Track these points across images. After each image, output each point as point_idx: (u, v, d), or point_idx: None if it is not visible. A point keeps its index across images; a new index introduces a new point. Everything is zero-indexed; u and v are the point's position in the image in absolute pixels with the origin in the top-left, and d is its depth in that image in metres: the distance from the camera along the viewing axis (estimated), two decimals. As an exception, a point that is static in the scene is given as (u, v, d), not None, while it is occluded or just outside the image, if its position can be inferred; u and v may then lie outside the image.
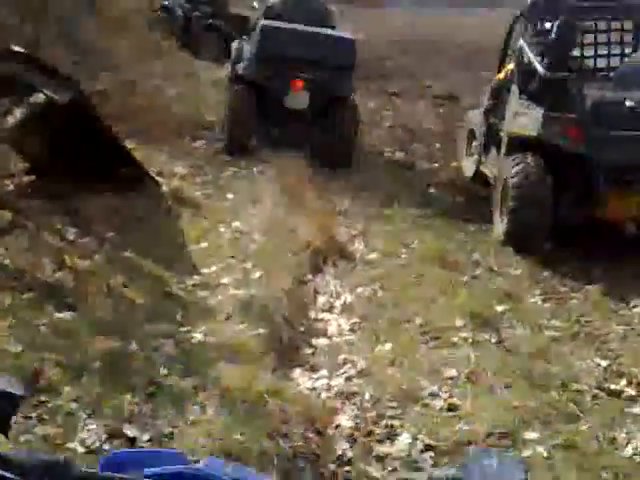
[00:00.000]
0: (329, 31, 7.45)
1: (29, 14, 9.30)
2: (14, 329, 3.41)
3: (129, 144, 6.64)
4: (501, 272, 4.67)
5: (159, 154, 7.08)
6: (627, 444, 2.85)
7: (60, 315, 3.67)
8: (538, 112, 4.94)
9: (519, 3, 6.03)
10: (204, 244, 4.95)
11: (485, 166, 5.93)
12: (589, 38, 5.76)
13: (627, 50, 5.73)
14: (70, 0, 12.15)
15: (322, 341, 3.78)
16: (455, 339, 3.60)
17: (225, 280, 4.33)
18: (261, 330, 3.61)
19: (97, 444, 2.72)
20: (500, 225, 5.15)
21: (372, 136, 9.02)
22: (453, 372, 3.28)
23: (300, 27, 7.27)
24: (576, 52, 5.66)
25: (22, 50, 4.96)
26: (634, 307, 4.35)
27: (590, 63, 5.78)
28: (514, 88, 5.46)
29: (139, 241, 4.84)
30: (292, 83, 7.13)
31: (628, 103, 4.77)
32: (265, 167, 7.01)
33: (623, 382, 3.39)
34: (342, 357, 3.55)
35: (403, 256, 4.68)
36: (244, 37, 8.13)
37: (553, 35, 5.18)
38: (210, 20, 13.18)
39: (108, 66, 11.39)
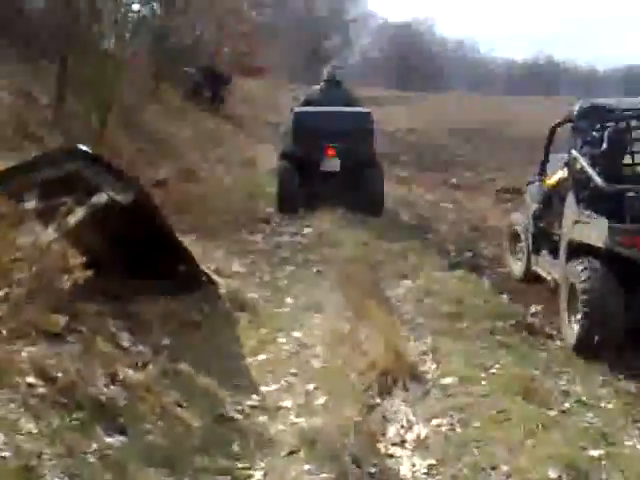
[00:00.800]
0: (348, 108, 9.27)
1: (95, 103, 9.48)
2: (61, 458, 3.10)
3: (187, 239, 6.49)
4: (592, 405, 4.20)
5: (217, 249, 6.91)
6: None
7: (110, 440, 3.36)
8: (602, 222, 4.90)
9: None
10: (262, 356, 4.64)
11: (539, 267, 6.13)
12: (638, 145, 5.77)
13: None
14: (134, 89, 12.46)
15: (395, 488, 3.36)
16: (550, 495, 3.15)
17: (286, 403, 3.98)
18: (328, 473, 3.22)
19: None
20: (570, 331, 5.07)
21: (435, 233, 8.73)
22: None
23: (325, 108, 9.15)
24: (627, 159, 5.66)
25: (87, 149, 4.90)
26: None
27: None
28: (570, 197, 5.43)
29: (195, 350, 4.58)
30: (325, 151, 8.88)
31: None
32: (324, 267, 6.76)
33: None
34: (420, 511, 3.12)
35: (483, 383, 4.25)
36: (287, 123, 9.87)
37: (604, 145, 5.29)
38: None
39: (169, 152, 11.54)
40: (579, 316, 4.94)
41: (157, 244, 5.23)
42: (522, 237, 6.58)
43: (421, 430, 3.81)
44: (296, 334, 5.01)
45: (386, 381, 4.31)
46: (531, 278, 6.37)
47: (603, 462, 3.52)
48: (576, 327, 4.99)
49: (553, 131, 6.46)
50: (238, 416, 3.81)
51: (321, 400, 3.99)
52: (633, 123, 5.63)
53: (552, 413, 3.96)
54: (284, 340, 4.91)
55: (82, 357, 3.98)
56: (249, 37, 23.68)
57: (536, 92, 45.60)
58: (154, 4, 18.45)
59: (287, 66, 36.11)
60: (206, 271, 5.70)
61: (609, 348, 4.86)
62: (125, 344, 4.44)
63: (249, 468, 3.31)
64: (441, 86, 55.96)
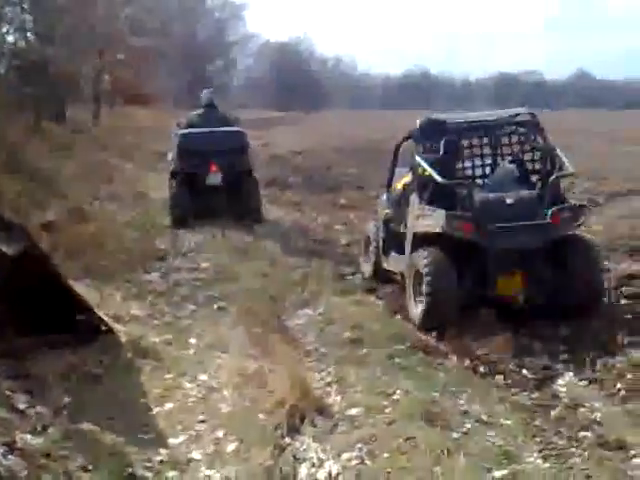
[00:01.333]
0: (225, 128, 10.51)
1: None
2: None
3: (81, 285, 6.32)
4: (492, 423, 4.37)
5: (113, 293, 6.76)
6: None
7: (11, 519, 3.22)
8: (440, 213, 6.09)
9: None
10: (169, 405, 4.57)
11: (389, 264, 7.22)
12: (467, 152, 7.11)
13: (498, 159, 7.14)
14: (17, 126, 11.99)
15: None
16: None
17: (196, 455, 3.94)
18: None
19: None
20: (415, 309, 6.18)
21: (330, 257, 8.83)
22: None
23: (205, 129, 10.37)
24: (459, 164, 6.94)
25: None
26: (635, 458, 4.10)
27: (470, 172, 7.06)
28: (413, 196, 6.57)
29: (97, 406, 4.46)
30: (209, 167, 10.26)
31: (508, 201, 6.17)
32: (225, 303, 6.73)
33: None
34: None
35: (387, 410, 4.35)
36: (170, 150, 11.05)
37: (441, 152, 6.56)
38: None
39: (56, 191, 11.14)
40: (421, 297, 6.05)
41: (49, 294, 5.06)
42: (372, 242, 7.57)
43: (332, 467, 3.85)
44: (202, 377, 4.96)
45: (294, 419, 4.34)
46: (380, 277, 7.42)
47: (508, 483, 3.67)
48: (420, 306, 6.07)
49: (398, 148, 7.45)
50: (148, 474, 3.73)
51: (231, 447, 3.97)
52: (463, 135, 6.91)
53: (455, 435, 4.09)
54: (190, 385, 4.85)
55: (-23, 428, 3.81)
56: (131, 64, 23.32)
57: (414, 105, 47.19)
58: (28, 34, 17.92)
59: (172, 92, 35.77)
60: (104, 319, 5.55)
61: (447, 322, 5.90)
62: (22, 406, 4.27)
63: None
64: (322, 104, 56.97)
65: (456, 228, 5.99)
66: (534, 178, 6.74)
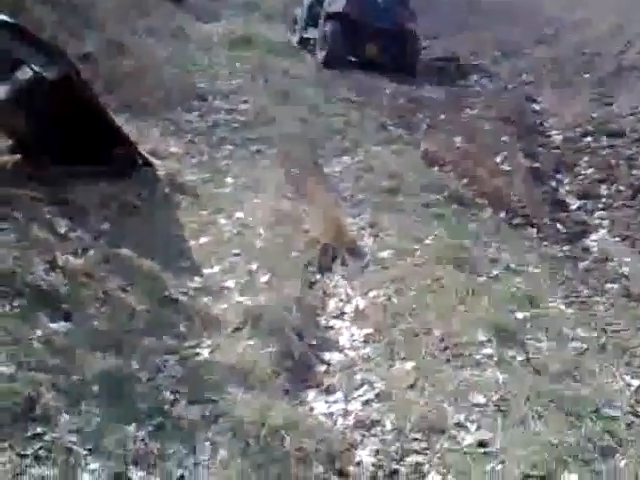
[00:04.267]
0: None
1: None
2: (6, 345, 3.15)
3: (119, 118, 6.31)
4: (519, 270, 4.43)
5: (151, 129, 6.75)
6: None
7: (54, 326, 3.41)
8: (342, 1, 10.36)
9: None
10: (204, 239, 4.68)
11: (308, 34, 11.26)
12: None
13: None
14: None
15: (335, 356, 3.54)
16: (479, 357, 3.36)
17: (229, 284, 4.07)
18: (272, 346, 3.36)
19: (102, 491, 2.50)
20: (320, 55, 10.43)
21: (373, 106, 8.70)
22: (480, 399, 3.05)
23: None
24: None
25: (9, 19, 4.57)
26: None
27: None
28: None
29: (135, 235, 4.57)
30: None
31: (378, 1, 10.50)
32: (263, 146, 6.72)
33: (659, 407, 3.19)
34: (359, 377, 3.31)
35: (417, 254, 4.42)
36: None
37: None
38: None
39: (92, 23, 10.88)
40: (324, 49, 10.29)
41: (89, 124, 5.05)
42: (299, 20, 11.60)
43: (359, 302, 3.98)
44: (237, 215, 5.04)
45: (326, 257, 4.43)
46: (304, 48, 11.23)
47: (529, 323, 3.76)
48: (323, 53, 10.35)
49: None
50: (182, 298, 3.88)
51: (264, 279, 4.09)
52: None
53: (482, 279, 4.16)
54: (225, 221, 4.94)
55: (19, 245, 3.96)
56: None
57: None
58: None
59: None
60: (142, 153, 5.59)
61: (340, 65, 10.07)
62: (62, 230, 4.39)
63: (195, 346, 3.43)
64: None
65: (349, 9, 10.26)
66: None
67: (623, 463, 2.75)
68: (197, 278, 4.14)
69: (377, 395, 3.17)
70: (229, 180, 5.82)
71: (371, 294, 4.02)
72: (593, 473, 2.66)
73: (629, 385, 3.33)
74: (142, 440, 2.72)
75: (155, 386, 3.10)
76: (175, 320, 3.65)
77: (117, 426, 2.80)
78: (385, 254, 4.46)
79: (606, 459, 2.76)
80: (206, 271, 4.24)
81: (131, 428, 2.79)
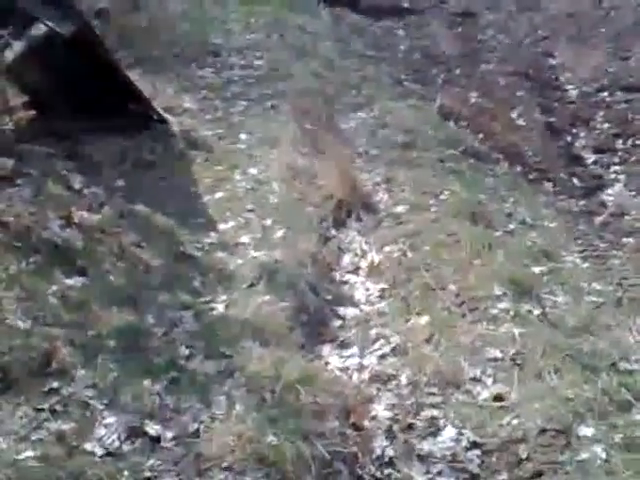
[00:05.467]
0: None
1: None
2: (22, 301, 3.17)
3: (133, 74, 6.25)
4: (535, 225, 4.39)
5: (165, 85, 6.68)
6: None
7: (70, 282, 3.42)
8: None
9: None
10: (219, 194, 4.65)
11: None
12: None
13: None
14: None
15: (350, 311, 3.54)
16: (495, 311, 3.34)
17: (244, 239, 4.06)
18: (287, 301, 3.36)
19: (116, 444, 2.52)
20: None
21: (388, 61, 8.57)
22: (497, 353, 3.04)
23: None
24: None
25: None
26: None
27: None
28: None
29: (150, 190, 4.57)
30: None
31: None
32: (278, 101, 6.64)
33: (673, 359, 3.17)
34: (374, 332, 3.31)
35: (432, 209, 4.38)
36: None
37: None
38: None
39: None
40: None
41: (103, 80, 5.02)
42: None
43: (374, 257, 3.96)
44: (252, 170, 4.99)
45: (341, 213, 4.41)
46: None
47: (545, 277, 3.73)
48: None
49: None
50: (197, 253, 3.88)
51: (278, 234, 4.08)
52: None
53: (497, 234, 4.13)
54: (240, 177, 4.90)
55: (34, 200, 3.96)
56: None
57: None
58: None
59: None
60: (157, 108, 5.55)
61: None
62: (77, 186, 4.39)
63: (211, 301, 3.43)
64: None
65: None
66: None
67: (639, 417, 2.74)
68: (212, 234, 4.13)
69: (392, 349, 3.17)
70: (243, 136, 5.76)
71: (386, 249, 4.00)
72: (610, 427, 2.64)
73: (646, 339, 3.30)
74: (158, 394, 2.73)
75: (170, 341, 3.10)
76: (190, 275, 3.65)
77: (133, 381, 2.81)
78: (400, 209, 4.42)
79: (622, 413, 2.74)
80: (221, 227, 4.23)
81: (147, 382, 2.80)
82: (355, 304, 3.61)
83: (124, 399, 2.71)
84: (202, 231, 4.15)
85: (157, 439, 2.53)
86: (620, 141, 6.04)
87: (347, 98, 7.00)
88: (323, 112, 6.45)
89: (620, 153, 5.84)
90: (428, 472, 2.53)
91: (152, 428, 2.56)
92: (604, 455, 2.48)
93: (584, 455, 2.47)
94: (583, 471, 2.41)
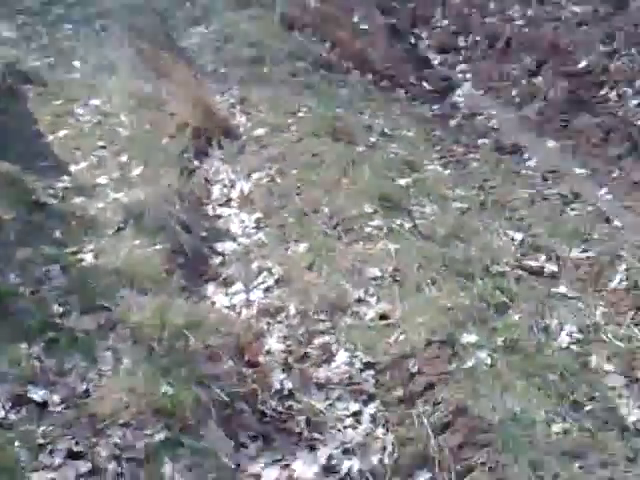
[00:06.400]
0: None
1: None
2: None
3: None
4: (394, 136, 4.44)
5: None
6: (561, 331, 2.86)
7: None
8: None
9: None
10: (63, 132, 4.31)
11: None
12: None
13: None
14: None
15: (229, 245, 3.45)
16: (369, 229, 3.38)
17: (101, 180, 3.81)
18: (160, 243, 3.22)
19: (1, 413, 2.35)
20: None
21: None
22: (376, 272, 3.10)
23: None
24: None
25: None
26: (528, 160, 4.34)
27: None
28: None
29: (-16, 136, 4.13)
30: None
31: None
32: (107, 21, 6.18)
33: (542, 257, 3.37)
34: (255, 265, 3.26)
35: (293, 129, 4.30)
36: None
37: None
38: None
39: None
40: None
41: None
42: None
43: (244, 186, 3.87)
44: (94, 102, 4.66)
45: (200, 141, 4.24)
46: None
47: (411, 189, 3.82)
48: None
49: None
50: (53, 201, 3.59)
51: (137, 171, 3.86)
52: None
53: (360, 149, 4.15)
54: (82, 110, 4.57)
55: None
56: None
57: None
58: None
59: None
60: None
61: None
62: None
63: (77, 252, 3.21)
64: None
65: None
66: None
67: (517, 317, 2.91)
68: (64, 177, 3.83)
69: (277, 281, 3.15)
70: (77, 64, 5.36)
71: (254, 176, 3.92)
72: (490, 331, 2.79)
73: (513, 239, 3.49)
74: (37, 358, 2.56)
75: (41, 299, 2.89)
76: (50, 226, 3.38)
77: (8, 347, 2.61)
78: (260, 132, 4.32)
79: (500, 316, 2.90)
80: (73, 168, 3.93)
81: (23, 347, 2.61)
82: (232, 238, 3.53)
83: (1, 367, 2.52)
84: (53, 175, 3.83)
85: (44, 404, 2.39)
86: (461, 38, 6.20)
87: (181, 12, 6.66)
88: (158, 30, 6.10)
89: (463, 51, 5.99)
90: (328, 398, 2.58)
91: (37, 394, 2.41)
92: (489, 360, 2.61)
93: (470, 362, 2.60)
94: (473, 378, 2.53)
